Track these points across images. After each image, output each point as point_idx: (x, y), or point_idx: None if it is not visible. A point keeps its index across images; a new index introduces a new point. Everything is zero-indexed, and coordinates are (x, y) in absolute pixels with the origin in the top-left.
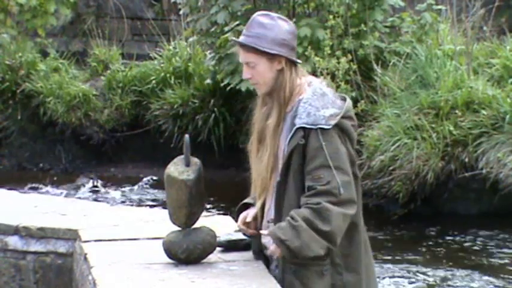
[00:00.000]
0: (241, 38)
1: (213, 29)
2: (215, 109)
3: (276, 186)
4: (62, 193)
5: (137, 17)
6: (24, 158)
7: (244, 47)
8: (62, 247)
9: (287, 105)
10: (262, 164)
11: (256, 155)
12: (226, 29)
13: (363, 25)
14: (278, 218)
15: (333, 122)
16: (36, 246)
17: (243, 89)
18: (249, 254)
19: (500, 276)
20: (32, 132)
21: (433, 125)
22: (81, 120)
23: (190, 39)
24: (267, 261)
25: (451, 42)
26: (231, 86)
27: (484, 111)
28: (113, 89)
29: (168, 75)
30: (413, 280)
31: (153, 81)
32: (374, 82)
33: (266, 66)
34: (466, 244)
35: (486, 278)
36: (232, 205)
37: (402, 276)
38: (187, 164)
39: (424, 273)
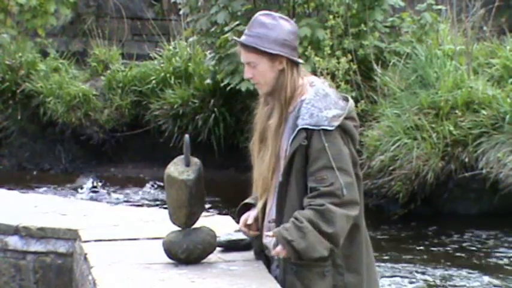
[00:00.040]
0: (243, 38)
1: (213, 29)
2: (215, 109)
3: (278, 186)
4: (61, 193)
5: (137, 17)
6: (24, 158)
7: (246, 46)
8: (62, 247)
9: (289, 106)
10: (264, 164)
11: (257, 155)
12: (226, 29)
13: (363, 25)
14: (279, 218)
15: (336, 124)
16: (36, 246)
17: (243, 89)
18: (249, 254)
19: (500, 276)
20: (32, 132)
21: (433, 125)
22: (81, 120)
23: (190, 39)
24: (268, 261)
25: (451, 42)
26: (231, 86)
27: (484, 111)
28: (113, 89)
29: (168, 75)
30: (413, 280)
31: (153, 81)
32: (374, 82)
33: (267, 66)
34: (466, 244)
35: (486, 277)
36: (232, 205)
37: (402, 276)
38: (187, 164)
39: (424, 273)
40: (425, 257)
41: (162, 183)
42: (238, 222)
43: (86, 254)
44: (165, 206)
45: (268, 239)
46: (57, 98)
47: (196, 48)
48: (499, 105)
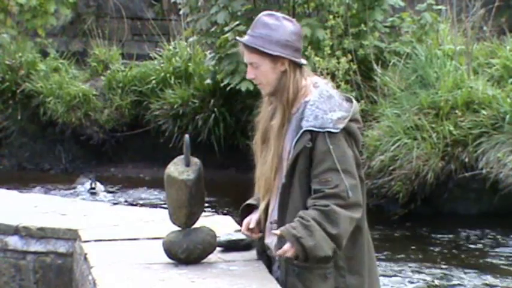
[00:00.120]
0: (245, 38)
1: (213, 29)
2: (215, 109)
3: (281, 188)
4: (61, 193)
5: (137, 17)
6: (24, 158)
7: (248, 47)
8: (62, 247)
9: (292, 107)
10: (266, 165)
11: (260, 155)
12: (226, 29)
13: (363, 25)
14: (281, 219)
15: (341, 126)
16: (36, 246)
17: (243, 89)
18: (249, 254)
19: (500, 276)
20: (32, 132)
21: (433, 125)
22: (81, 120)
23: (190, 39)
24: (269, 262)
25: (451, 42)
26: (231, 86)
27: (484, 111)
28: (113, 89)
29: (168, 75)
30: (412, 280)
31: (153, 81)
32: (374, 82)
33: (269, 67)
34: (466, 244)
35: (486, 277)
36: (232, 205)
37: (402, 276)
38: (187, 164)
39: (423, 273)
40: (425, 256)
41: (162, 183)
42: (240, 223)
43: (86, 254)
44: (165, 206)
45: (270, 240)
46: (57, 98)
47: (196, 48)
48: (499, 105)
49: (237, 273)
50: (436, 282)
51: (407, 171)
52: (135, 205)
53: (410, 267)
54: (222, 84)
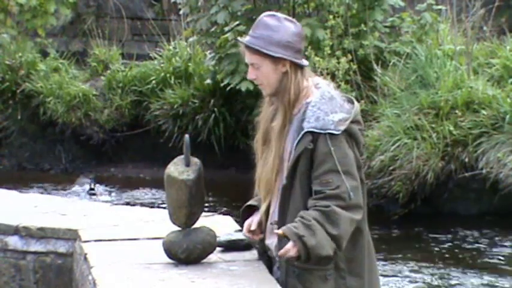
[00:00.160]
0: (246, 39)
1: (213, 29)
2: (215, 109)
3: (282, 189)
4: (61, 193)
5: (137, 17)
6: (24, 158)
7: (249, 48)
8: (62, 247)
9: (293, 108)
10: (267, 166)
11: (260, 156)
12: (226, 29)
13: (363, 25)
14: (282, 220)
15: (342, 128)
16: (36, 246)
17: (243, 89)
18: (249, 254)
19: (500, 276)
20: (32, 132)
21: (433, 125)
22: (81, 120)
23: (190, 39)
24: (270, 262)
25: (451, 42)
26: (231, 86)
27: (484, 111)
28: (113, 89)
29: (168, 75)
30: (412, 280)
31: (153, 81)
32: (374, 82)
33: (270, 68)
34: (466, 244)
35: (486, 277)
36: (232, 205)
37: (402, 276)
38: (187, 164)
39: (423, 273)
40: (425, 256)
41: (162, 183)
42: (241, 224)
43: (86, 254)
44: (165, 206)
45: (271, 240)
46: (57, 98)
47: (196, 48)
48: (499, 105)
49: (237, 273)
50: (436, 282)
51: (407, 171)
52: (135, 205)
53: (410, 267)
54: (222, 84)
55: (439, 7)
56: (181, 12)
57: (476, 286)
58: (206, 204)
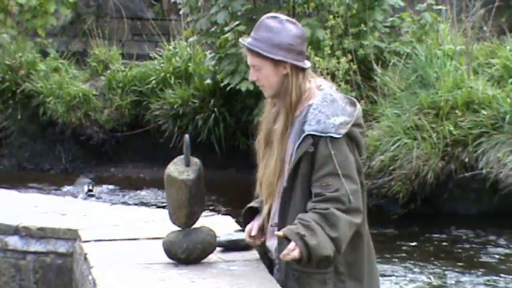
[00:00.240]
0: (248, 41)
1: (213, 29)
2: (215, 109)
3: (282, 191)
4: (61, 193)
5: (137, 17)
6: (24, 158)
7: (250, 50)
8: (62, 247)
9: (295, 110)
10: (269, 168)
11: (262, 157)
12: (226, 29)
13: (363, 25)
14: (282, 223)
15: (343, 131)
16: (36, 246)
17: (243, 89)
18: (249, 254)
19: (501, 276)
20: (32, 132)
21: (433, 125)
22: (81, 120)
23: (190, 39)
24: (270, 264)
25: (451, 42)
26: (231, 86)
27: (484, 111)
28: (113, 89)
29: (168, 75)
30: (412, 279)
31: (153, 81)
32: (374, 82)
33: (271, 70)
34: (466, 244)
35: (486, 277)
36: (232, 205)
37: (402, 276)
38: (187, 164)
39: (423, 273)
40: (425, 257)
41: (162, 183)
42: (243, 226)
43: (86, 254)
44: (165, 206)
45: (271, 242)
46: (57, 98)
47: (196, 48)
48: (499, 105)
49: (237, 273)
50: (436, 281)
51: (407, 171)
52: (135, 205)
53: (410, 267)
54: (222, 84)
55: (439, 7)
56: (181, 12)
57: (476, 286)
58: (206, 204)
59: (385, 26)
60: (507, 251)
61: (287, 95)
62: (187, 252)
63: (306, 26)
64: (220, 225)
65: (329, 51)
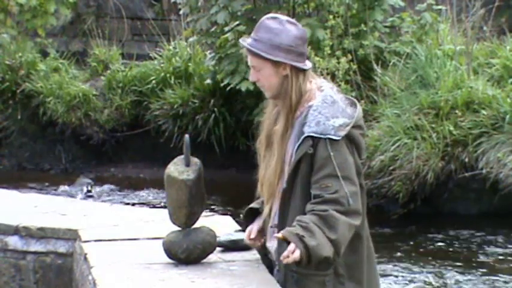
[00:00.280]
0: (248, 42)
1: (213, 29)
2: (215, 109)
3: (282, 193)
4: (61, 193)
5: (137, 17)
6: (24, 158)
7: (251, 51)
8: (62, 247)
9: (295, 111)
10: (270, 169)
11: (263, 158)
12: (226, 29)
13: (363, 25)
14: (282, 224)
15: (342, 133)
16: (36, 246)
17: (243, 89)
18: (249, 254)
19: (501, 276)
20: (32, 132)
21: (433, 125)
22: (81, 120)
23: (190, 39)
24: (271, 265)
25: (451, 42)
26: (231, 86)
27: (484, 111)
28: (113, 89)
29: (168, 75)
30: (412, 280)
31: (153, 81)
32: (374, 82)
33: (271, 71)
34: (466, 244)
35: (486, 277)
36: (232, 205)
37: (402, 276)
38: (187, 164)
39: (423, 273)
40: (425, 257)
41: (162, 183)
42: (244, 228)
43: (86, 254)
44: (165, 206)
45: (271, 244)
46: (57, 98)
47: (196, 48)
48: (499, 105)
49: (237, 273)
50: (436, 281)
51: (407, 171)
52: (135, 205)
53: (409, 266)
54: (222, 84)
55: (439, 7)
56: (181, 12)
57: (476, 285)
58: (206, 204)
59: (385, 26)
60: (507, 250)
61: (287, 96)
62: (187, 252)
63: (306, 26)
64: (220, 225)
65: (329, 51)
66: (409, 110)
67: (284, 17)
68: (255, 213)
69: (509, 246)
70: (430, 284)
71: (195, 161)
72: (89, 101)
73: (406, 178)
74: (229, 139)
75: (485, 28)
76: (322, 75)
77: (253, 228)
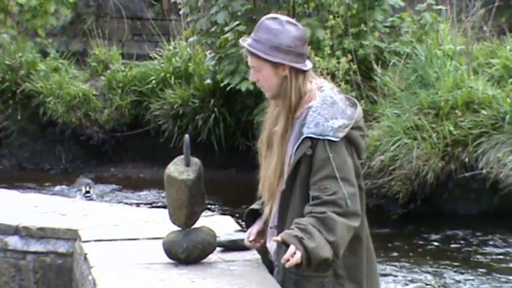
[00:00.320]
0: (248, 42)
1: (213, 29)
2: (215, 109)
3: (281, 193)
4: (61, 193)
5: (137, 17)
6: (24, 158)
7: (250, 51)
8: (62, 247)
9: (295, 112)
10: (270, 170)
11: (264, 158)
12: (226, 29)
13: (363, 25)
14: (281, 225)
15: (341, 135)
16: (36, 246)
17: (243, 89)
18: (249, 254)
19: (500, 276)
20: (32, 132)
21: (433, 125)
22: (81, 120)
23: (190, 39)
24: (271, 264)
25: (451, 42)
26: (231, 86)
27: (484, 111)
28: (113, 89)
29: (168, 75)
30: (412, 279)
31: (153, 81)
32: (374, 82)
33: (270, 72)
34: (466, 244)
35: (486, 277)
36: (232, 205)
37: (402, 276)
38: (187, 164)
39: (423, 273)
40: (425, 256)
41: (162, 183)
42: (246, 229)
43: (86, 254)
44: (165, 206)
45: (271, 244)
46: (57, 98)
47: (196, 48)
48: (499, 105)
49: (237, 273)
50: (436, 281)
51: (407, 171)
52: (135, 205)
53: (409, 266)
54: (222, 84)
55: (439, 7)
56: (181, 12)
57: (476, 285)
58: (206, 204)
59: (385, 26)
60: (507, 250)
61: (286, 97)
62: (187, 252)
63: (306, 26)
64: (220, 225)
65: (329, 51)
66: (409, 110)
67: (284, 18)
68: (255, 215)
69: (509, 246)
70: (429, 284)
71: (195, 161)
72: (89, 101)
73: (406, 178)
74: (229, 139)
75: (485, 28)
76: (322, 75)
77: (253, 230)
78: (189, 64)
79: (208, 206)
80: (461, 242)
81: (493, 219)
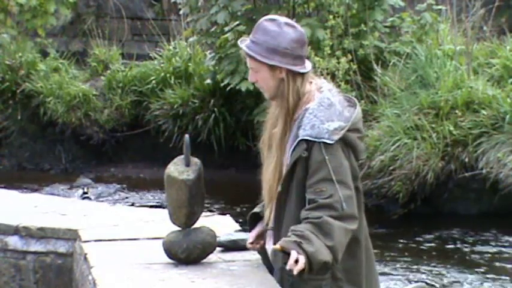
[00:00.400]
0: (246, 43)
1: (213, 29)
2: (215, 109)
3: (277, 196)
4: (62, 193)
5: (137, 17)
6: (24, 158)
7: (247, 53)
8: (62, 247)
9: (293, 114)
10: (269, 172)
11: (266, 159)
12: (226, 29)
13: (363, 25)
14: (277, 227)
15: (336, 137)
16: (36, 246)
17: (243, 89)
18: (249, 254)
19: (500, 276)
20: (32, 132)
21: (433, 125)
22: (81, 120)
23: (190, 39)
24: (271, 265)
25: (451, 42)
26: (231, 86)
27: (484, 111)
28: (113, 89)
29: (168, 75)
30: (412, 279)
31: (153, 81)
32: (374, 82)
33: (268, 73)
34: (466, 244)
35: (486, 277)
36: (232, 205)
37: (402, 276)
38: (187, 164)
39: (423, 273)
40: (425, 256)
41: (162, 183)
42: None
43: (86, 254)
44: (164, 205)
45: (270, 245)
46: (57, 98)
47: (196, 48)
48: (499, 105)
49: (237, 273)
50: (436, 281)
51: (407, 171)
52: (135, 205)
53: (410, 266)
54: (222, 84)
55: (439, 7)
56: (181, 12)
57: (476, 285)
58: (206, 204)
59: (385, 26)
60: (508, 250)
61: (284, 99)
62: (187, 252)
63: (306, 26)
64: (220, 225)
65: (329, 51)
66: (409, 110)
67: (283, 19)
68: (257, 218)
69: (510, 246)
70: (430, 284)
71: (195, 161)
72: (89, 101)
73: (406, 178)
74: (229, 139)
75: (485, 28)
76: (322, 75)
77: (252, 233)
78: (189, 64)
79: (208, 206)
80: (461, 242)
81: (493, 219)
